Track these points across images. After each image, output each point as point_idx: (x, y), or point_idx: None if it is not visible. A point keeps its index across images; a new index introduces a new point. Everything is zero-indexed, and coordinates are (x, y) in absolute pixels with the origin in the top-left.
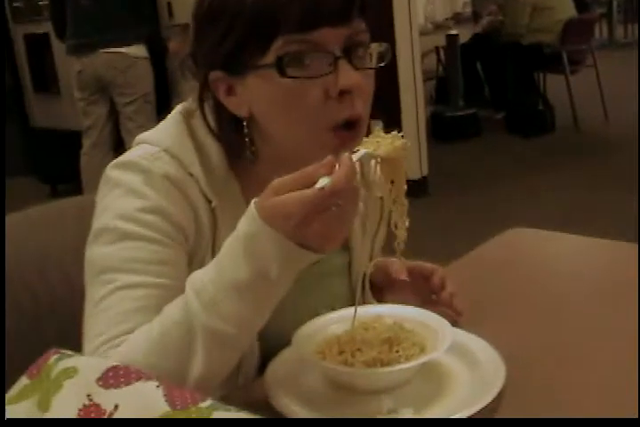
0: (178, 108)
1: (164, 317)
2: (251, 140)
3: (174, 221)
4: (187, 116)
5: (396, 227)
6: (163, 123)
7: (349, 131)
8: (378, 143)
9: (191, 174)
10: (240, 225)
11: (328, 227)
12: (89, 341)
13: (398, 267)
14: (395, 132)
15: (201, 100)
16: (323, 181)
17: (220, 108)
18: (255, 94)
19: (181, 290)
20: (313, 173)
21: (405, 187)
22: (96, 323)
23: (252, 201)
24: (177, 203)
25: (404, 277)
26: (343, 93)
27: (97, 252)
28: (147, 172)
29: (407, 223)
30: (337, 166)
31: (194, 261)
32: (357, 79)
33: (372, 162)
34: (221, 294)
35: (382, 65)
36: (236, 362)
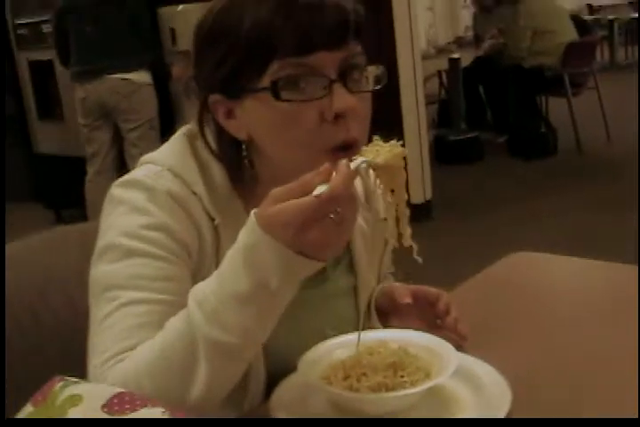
0: (182, 130)
1: (167, 330)
2: (250, 162)
3: (178, 238)
4: (190, 137)
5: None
6: (167, 143)
7: (346, 152)
8: (377, 152)
9: (194, 193)
10: (240, 236)
11: (327, 234)
12: (94, 357)
13: (402, 291)
14: (394, 141)
15: (201, 123)
16: (320, 189)
17: (220, 131)
18: (253, 117)
19: (185, 306)
20: (310, 181)
21: (406, 196)
22: (101, 340)
23: (252, 211)
24: (180, 220)
25: (407, 300)
26: (338, 117)
27: (101, 270)
28: (150, 189)
29: (410, 231)
30: (334, 174)
31: (197, 278)
32: (352, 103)
33: (371, 171)
34: (223, 304)
35: (378, 88)
36: (239, 375)
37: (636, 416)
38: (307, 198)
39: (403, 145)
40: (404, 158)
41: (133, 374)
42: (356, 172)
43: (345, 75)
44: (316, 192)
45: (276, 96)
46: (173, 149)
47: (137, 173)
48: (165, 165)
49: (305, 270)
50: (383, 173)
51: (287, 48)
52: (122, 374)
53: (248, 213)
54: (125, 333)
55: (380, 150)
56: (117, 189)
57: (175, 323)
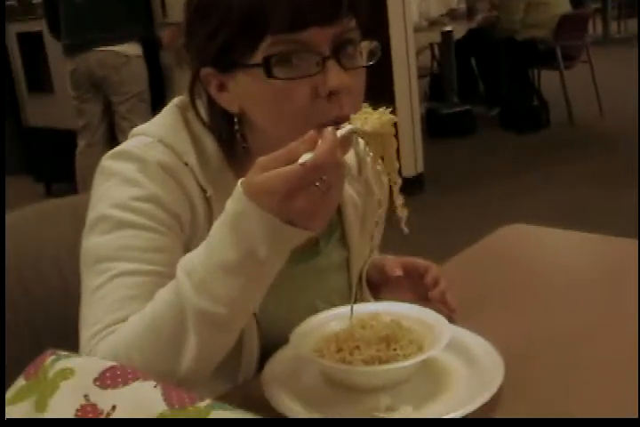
0: (174, 101)
1: (156, 300)
2: (242, 134)
3: (169, 209)
4: (182, 108)
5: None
6: (158, 115)
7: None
8: (365, 119)
9: (186, 164)
10: (228, 205)
11: (313, 203)
12: (85, 329)
13: (393, 264)
14: (382, 108)
15: (192, 95)
16: (305, 157)
17: (212, 103)
18: (245, 92)
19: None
20: (296, 149)
21: (397, 164)
22: (92, 311)
23: (239, 180)
24: (172, 191)
25: (398, 273)
26: (331, 94)
27: (93, 241)
28: (141, 160)
29: (402, 200)
30: (320, 142)
31: (189, 249)
32: (346, 80)
33: (360, 139)
34: (211, 274)
35: (372, 63)
36: (229, 346)
37: (636, 416)
38: (292, 166)
39: (392, 112)
40: (395, 126)
41: (123, 345)
42: (348, 139)
43: (338, 51)
44: (301, 160)
45: (269, 73)
46: (165, 121)
47: (128, 145)
48: (156, 136)
49: (293, 240)
50: (372, 140)
51: (280, 24)
52: (112, 345)
53: None
54: (117, 304)
55: (369, 118)
56: (108, 161)
57: (164, 294)
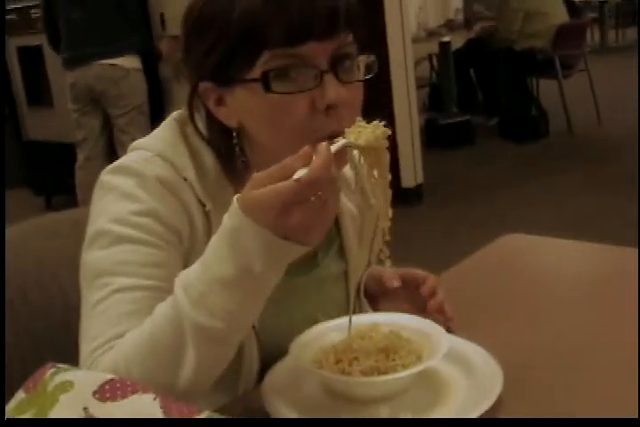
0: (173, 115)
1: (155, 315)
2: (241, 149)
3: (168, 224)
4: (181, 122)
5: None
6: (157, 129)
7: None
8: (359, 133)
9: (185, 179)
10: (224, 220)
11: (309, 218)
12: (86, 343)
13: (390, 275)
14: (376, 121)
15: (190, 109)
16: (300, 172)
17: (210, 117)
18: (243, 106)
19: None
20: (290, 164)
21: (389, 176)
22: (92, 326)
23: (235, 196)
24: (170, 206)
25: (396, 284)
26: (329, 108)
27: (92, 256)
28: (139, 175)
29: (391, 213)
30: (314, 157)
31: (188, 264)
32: (343, 94)
33: (355, 152)
34: (207, 289)
35: (369, 77)
36: (228, 359)
37: (636, 416)
38: (286, 182)
39: (386, 125)
40: (393, 137)
41: (123, 359)
42: (343, 153)
43: (336, 65)
44: (295, 176)
45: (267, 88)
46: (164, 135)
47: (126, 159)
48: (155, 150)
49: (289, 255)
50: (366, 154)
51: (277, 39)
52: (112, 361)
53: None
54: (116, 319)
55: (363, 131)
56: (107, 176)
57: (163, 308)
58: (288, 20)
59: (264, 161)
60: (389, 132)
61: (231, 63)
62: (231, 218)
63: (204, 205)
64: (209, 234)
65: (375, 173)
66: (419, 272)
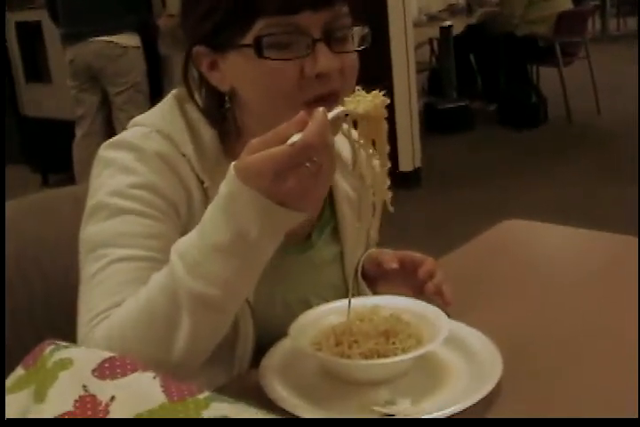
0: (172, 93)
1: (150, 284)
2: (233, 114)
3: (166, 197)
4: (180, 99)
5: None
6: (156, 106)
7: (325, 102)
8: (358, 102)
9: (183, 155)
10: (220, 187)
11: (304, 183)
12: (83, 315)
13: (389, 257)
14: (376, 91)
15: (185, 72)
16: (295, 138)
17: (203, 82)
18: (236, 71)
19: None
20: (285, 130)
21: (388, 147)
22: (90, 297)
23: (232, 163)
24: (169, 180)
25: (394, 266)
26: (320, 76)
27: (90, 229)
28: (138, 149)
29: (389, 182)
30: (310, 122)
31: None
32: (334, 63)
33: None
34: (203, 256)
35: (362, 48)
36: (223, 329)
37: (636, 416)
38: (281, 147)
39: (385, 95)
40: (392, 116)
41: (118, 328)
42: (339, 120)
43: (329, 35)
44: (290, 141)
45: (259, 54)
46: (163, 111)
47: (125, 135)
48: (154, 126)
49: (285, 221)
50: (364, 123)
51: (273, 7)
52: (107, 328)
53: None
54: (113, 289)
55: (362, 100)
56: (106, 151)
57: (158, 277)
58: None
59: (256, 127)
60: (388, 101)
61: (226, 28)
62: (227, 184)
63: (201, 182)
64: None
65: (371, 148)
66: (417, 255)
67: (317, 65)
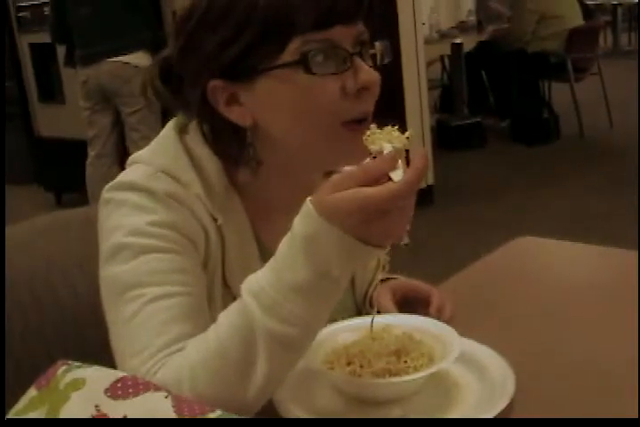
0: (170, 125)
1: (220, 325)
2: (254, 149)
3: (185, 234)
4: (179, 131)
5: None
6: (156, 141)
7: (360, 124)
8: (390, 135)
9: (193, 194)
10: (296, 225)
11: (393, 223)
12: (131, 357)
13: (386, 302)
14: (388, 127)
15: (200, 115)
16: (396, 176)
17: (217, 120)
18: (263, 99)
19: (203, 295)
20: (376, 168)
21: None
22: (134, 339)
23: (307, 199)
24: (185, 218)
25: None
26: (361, 90)
27: (116, 270)
28: (147, 190)
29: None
30: (399, 162)
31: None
32: (374, 76)
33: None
34: (281, 296)
35: (386, 63)
36: (295, 366)
37: (636, 416)
38: (379, 189)
39: (401, 126)
40: (399, 128)
41: (189, 369)
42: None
43: (361, 49)
44: (396, 179)
45: (307, 69)
46: (164, 148)
47: (128, 175)
48: (157, 165)
49: (366, 258)
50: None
51: (307, 23)
52: (174, 370)
53: (247, 210)
54: (159, 328)
55: (387, 136)
56: (112, 193)
57: (228, 317)
58: (317, 4)
59: (277, 160)
60: (412, 133)
61: (255, 53)
62: (306, 222)
63: (215, 220)
64: (222, 247)
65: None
66: (422, 289)
67: (360, 78)
